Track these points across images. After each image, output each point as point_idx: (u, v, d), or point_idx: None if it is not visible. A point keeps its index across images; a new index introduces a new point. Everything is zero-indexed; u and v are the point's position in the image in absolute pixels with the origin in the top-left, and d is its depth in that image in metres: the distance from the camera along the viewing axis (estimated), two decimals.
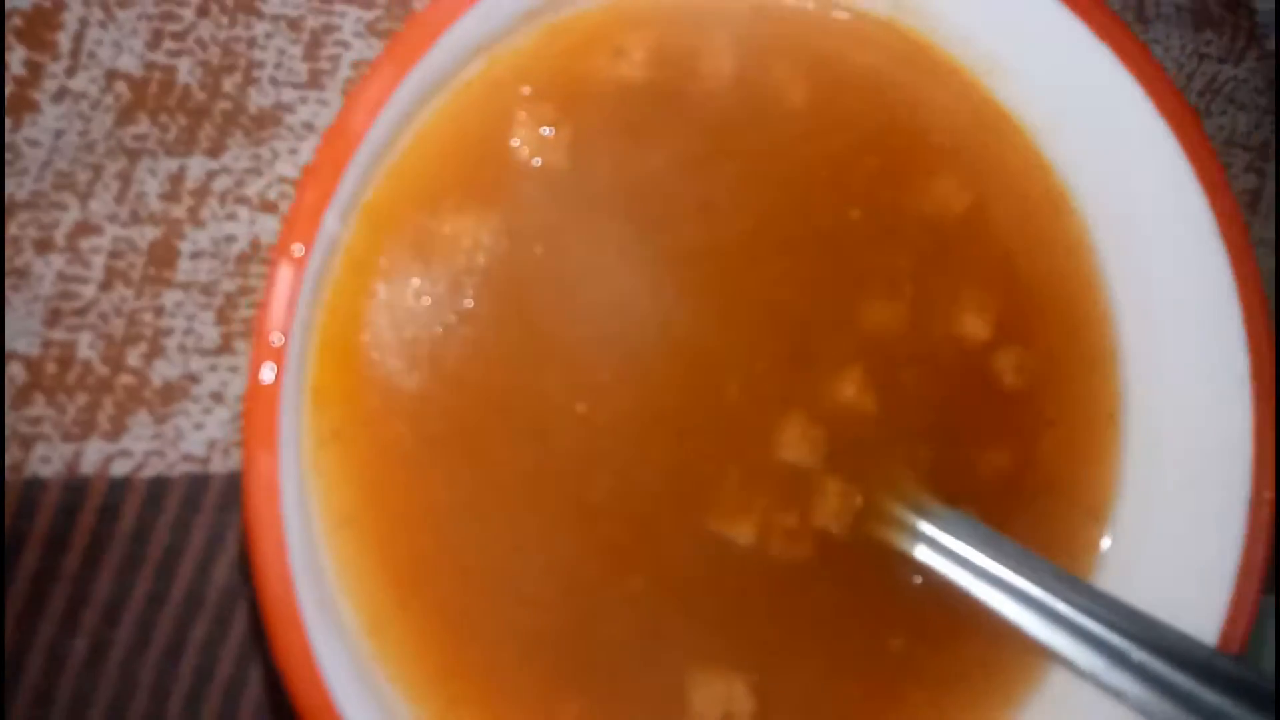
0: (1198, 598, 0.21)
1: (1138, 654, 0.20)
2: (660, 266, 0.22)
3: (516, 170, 0.21)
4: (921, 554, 0.22)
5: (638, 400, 0.21)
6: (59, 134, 0.23)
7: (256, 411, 0.15)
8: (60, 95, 0.23)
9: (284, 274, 0.16)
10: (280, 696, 0.24)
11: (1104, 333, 0.24)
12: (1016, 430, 0.23)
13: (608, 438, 0.21)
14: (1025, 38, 0.23)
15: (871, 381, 0.22)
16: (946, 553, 0.22)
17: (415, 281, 0.20)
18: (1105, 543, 0.24)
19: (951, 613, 0.22)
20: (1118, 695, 0.20)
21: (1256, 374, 0.22)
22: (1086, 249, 0.25)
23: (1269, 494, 0.21)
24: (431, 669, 0.20)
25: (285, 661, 0.16)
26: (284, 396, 0.16)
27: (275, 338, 0.15)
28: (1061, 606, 0.21)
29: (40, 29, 0.23)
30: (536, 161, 0.21)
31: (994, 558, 0.21)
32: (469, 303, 0.20)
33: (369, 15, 0.25)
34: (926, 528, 0.22)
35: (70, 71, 0.23)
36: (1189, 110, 0.22)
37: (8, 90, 0.23)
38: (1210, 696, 0.19)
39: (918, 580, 0.22)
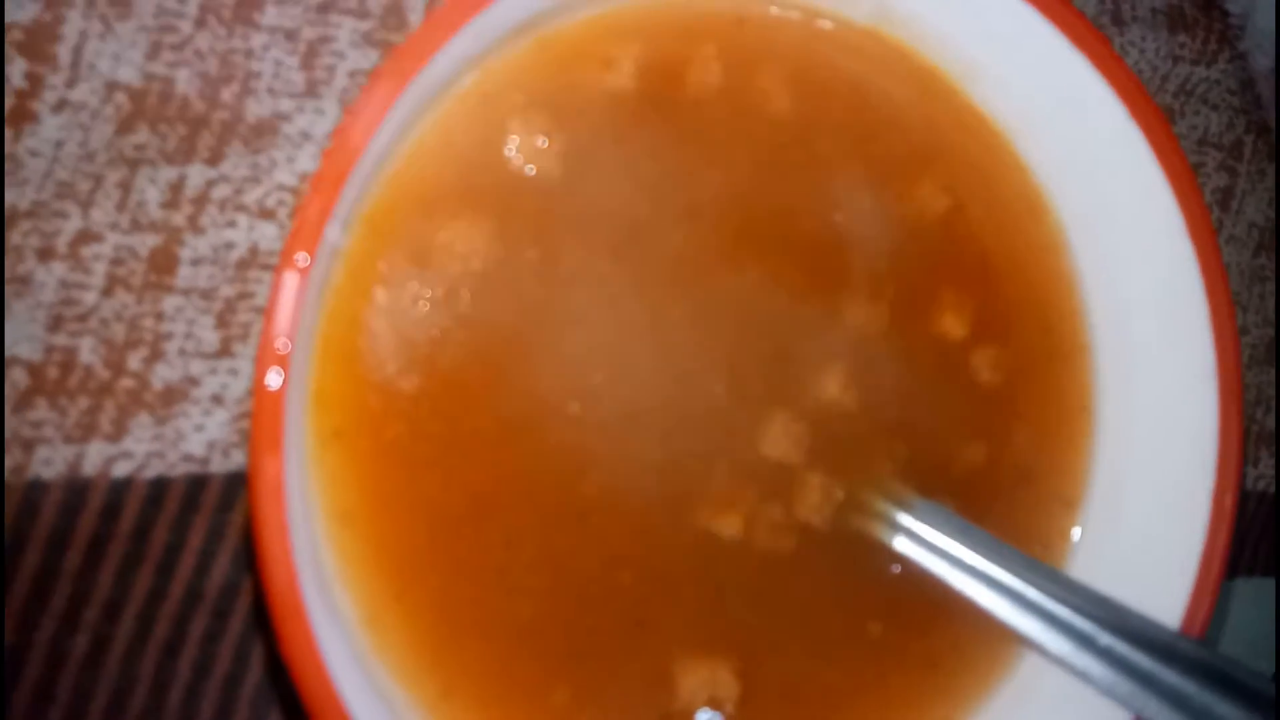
0: (1163, 583, 0.22)
1: (1104, 638, 0.20)
2: (649, 271, 0.22)
3: (510, 178, 0.21)
4: (900, 544, 0.23)
5: (628, 400, 0.22)
6: (59, 144, 0.23)
7: (263, 415, 0.16)
8: (60, 106, 0.23)
9: (289, 282, 0.16)
10: (277, 690, 0.25)
11: (1077, 329, 0.25)
12: (992, 424, 0.24)
13: (599, 436, 0.21)
14: (1004, 44, 0.23)
15: (852, 379, 0.23)
16: (923, 543, 0.23)
17: (413, 286, 0.21)
18: (1077, 531, 0.24)
19: (928, 600, 0.23)
20: (1084, 677, 0.21)
21: (1222, 369, 0.22)
22: (1060, 248, 0.25)
23: (1231, 483, 0.22)
24: (426, 659, 0.20)
25: (290, 653, 0.17)
26: (288, 400, 0.17)
27: (281, 344, 0.16)
28: (1032, 593, 0.22)
29: (40, 41, 0.23)
30: (530, 170, 0.22)
31: (968, 547, 0.22)
32: (465, 306, 0.21)
33: (364, 26, 0.26)
34: (905, 519, 0.23)
35: (70, 83, 0.23)
36: (1160, 116, 0.23)
37: (8, 102, 0.23)
38: (1171, 677, 0.20)
39: (896, 569, 0.23)
